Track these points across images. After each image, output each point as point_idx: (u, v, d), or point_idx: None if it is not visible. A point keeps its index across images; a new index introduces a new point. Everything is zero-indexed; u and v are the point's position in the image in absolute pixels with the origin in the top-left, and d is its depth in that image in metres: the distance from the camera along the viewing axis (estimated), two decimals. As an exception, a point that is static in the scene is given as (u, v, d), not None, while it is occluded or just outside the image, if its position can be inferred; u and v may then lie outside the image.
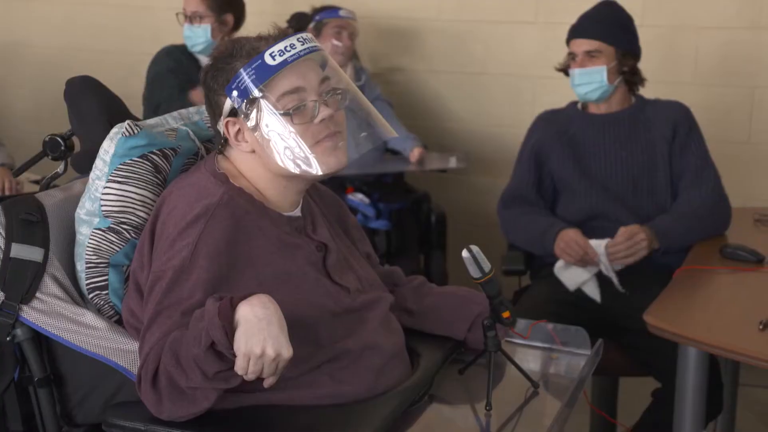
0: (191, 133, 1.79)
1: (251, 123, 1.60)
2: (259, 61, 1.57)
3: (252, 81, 1.58)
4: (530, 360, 1.93)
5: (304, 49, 1.60)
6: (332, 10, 3.72)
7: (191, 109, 1.85)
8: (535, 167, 2.90)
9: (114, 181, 1.68)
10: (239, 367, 1.43)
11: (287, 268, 1.63)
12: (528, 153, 2.93)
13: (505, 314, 1.76)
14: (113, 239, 1.68)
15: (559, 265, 2.72)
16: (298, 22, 3.78)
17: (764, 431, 3.28)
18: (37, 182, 2.95)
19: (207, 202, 1.59)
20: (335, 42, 3.66)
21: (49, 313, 1.64)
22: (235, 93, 1.59)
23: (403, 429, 1.64)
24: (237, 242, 1.58)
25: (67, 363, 1.68)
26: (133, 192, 1.69)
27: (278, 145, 1.60)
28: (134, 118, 1.77)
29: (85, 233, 1.69)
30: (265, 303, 1.43)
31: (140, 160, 1.69)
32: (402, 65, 4.13)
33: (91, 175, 1.70)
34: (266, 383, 1.47)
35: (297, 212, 1.71)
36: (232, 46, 1.63)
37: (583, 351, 1.94)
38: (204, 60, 3.66)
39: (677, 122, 2.85)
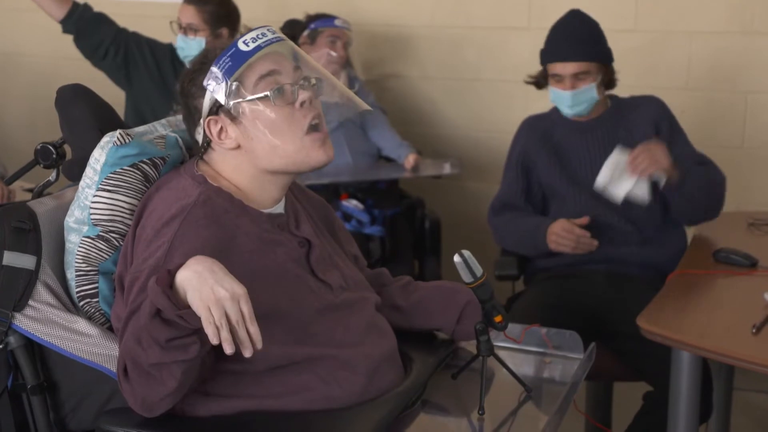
0: (180, 140, 1.80)
1: (233, 113, 1.63)
2: (233, 49, 1.62)
3: (227, 69, 1.61)
4: (523, 364, 1.93)
5: (275, 37, 1.65)
6: (328, 19, 3.72)
7: (179, 117, 1.85)
8: (523, 174, 2.91)
9: (104, 190, 1.69)
10: (205, 320, 1.39)
11: (266, 264, 1.63)
12: (515, 160, 2.94)
13: (498, 318, 1.76)
14: (102, 247, 1.69)
15: (600, 181, 2.69)
16: (292, 29, 3.78)
17: (759, 435, 3.29)
18: (29, 191, 2.94)
19: (183, 203, 1.61)
20: (330, 52, 3.65)
21: (42, 320, 1.64)
22: (212, 84, 1.62)
23: (396, 434, 1.64)
24: (213, 241, 1.58)
25: (60, 370, 1.68)
26: (122, 201, 1.69)
27: (264, 136, 1.63)
28: (125, 126, 1.78)
29: (74, 241, 1.70)
30: (199, 259, 1.43)
31: (130, 169, 1.70)
32: (396, 72, 4.14)
33: (81, 183, 1.71)
34: (242, 345, 1.41)
35: (279, 209, 1.73)
36: (205, 52, 1.68)
37: (576, 355, 1.94)
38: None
39: (658, 120, 2.87)
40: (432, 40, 4.08)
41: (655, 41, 3.72)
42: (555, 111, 2.97)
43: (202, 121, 1.67)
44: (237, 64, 1.61)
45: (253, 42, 1.62)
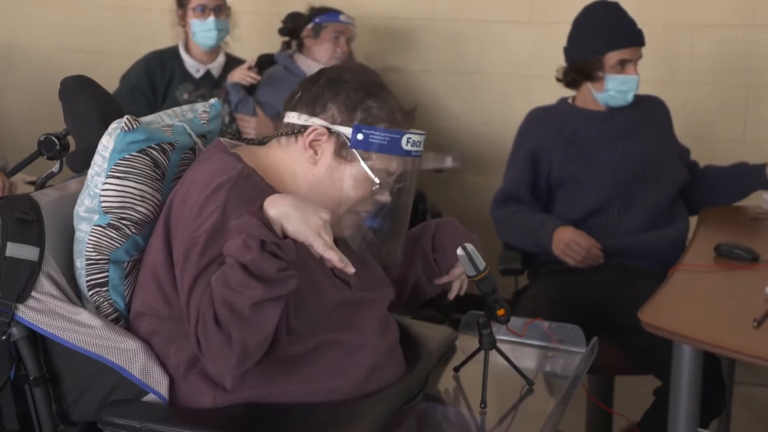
0: (187, 128, 1.79)
1: (343, 153, 1.67)
2: (399, 137, 1.67)
3: (379, 143, 1.66)
4: (525, 358, 1.94)
5: (420, 150, 1.72)
6: (333, 13, 3.68)
7: (185, 107, 1.85)
8: (531, 168, 2.91)
9: (113, 177, 1.68)
10: (321, 245, 1.49)
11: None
12: (524, 155, 2.93)
13: (500, 312, 1.76)
14: (113, 235, 1.68)
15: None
16: (294, 22, 3.77)
17: (760, 430, 3.29)
18: (31, 183, 2.95)
19: (228, 173, 1.62)
20: (335, 49, 3.63)
21: (45, 311, 1.64)
22: (360, 136, 1.65)
23: (398, 427, 1.64)
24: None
25: (63, 361, 1.68)
26: (132, 187, 1.69)
27: (337, 189, 1.68)
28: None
29: (84, 230, 1.69)
30: (281, 196, 1.53)
31: (139, 154, 1.69)
32: (397, 65, 4.14)
33: (90, 171, 1.71)
34: (346, 264, 1.51)
35: None
36: (379, 81, 1.74)
37: (578, 349, 1.94)
38: (190, 60, 3.66)
39: (665, 118, 2.99)
40: (433, 33, 4.08)
41: (657, 35, 3.71)
42: (563, 103, 2.99)
43: (315, 119, 1.68)
44: (389, 149, 1.67)
45: (412, 146, 1.69)
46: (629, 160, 2.87)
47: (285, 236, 1.49)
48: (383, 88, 1.72)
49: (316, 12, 3.70)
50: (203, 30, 3.61)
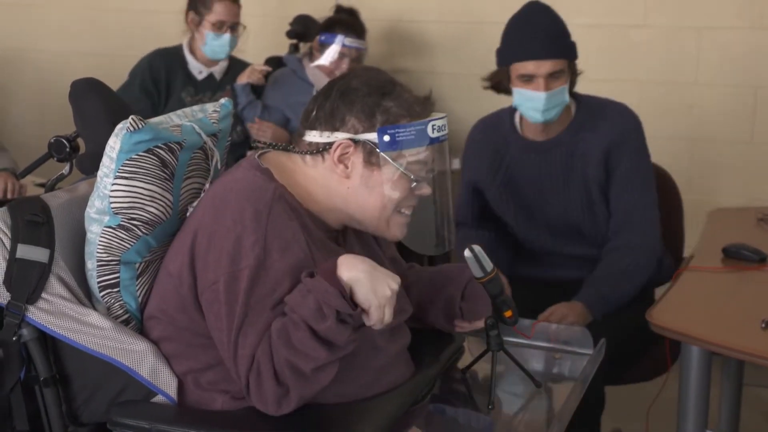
0: (196, 127, 1.79)
1: (373, 159, 1.66)
2: (423, 127, 1.67)
3: (406, 138, 1.66)
4: (533, 360, 1.94)
5: (446, 132, 1.73)
6: (339, 35, 3.60)
7: (195, 108, 1.85)
8: (475, 198, 2.74)
9: (121, 177, 1.67)
10: (376, 319, 1.52)
11: None
12: (466, 184, 2.75)
13: (508, 313, 1.77)
14: (124, 236, 1.69)
15: None
16: (305, 27, 3.78)
17: (768, 431, 3.29)
18: (41, 185, 2.96)
19: (263, 197, 1.61)
20: (338, 66, 3.59)
21: (55, 313, 1.65)
22: (386, 138, 1.64)
23: (406, 428, 1.65)
24: (300, 233, 1.62)
25: (73, 363, 1.69)
26: (140, 187, 1.68)
27: (376, 196, 1.68)
28: (138, 119, 1.78)
29: (95, 231, 1.70)
30: (357, 257, 1.55)
31: (146, 154, 1.69)
32: (404, 67, 4.14)
33: (99, 173, 1.71)
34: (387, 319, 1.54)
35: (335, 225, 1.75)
36: (392, 81, 1.71)
37: (586, 350, 1.94)
38: (193, 61, 3.66)
39: (615, 144, 2.57)
40: (440, 36, 4.08)
41: (664, 36, 3.72)
42: (509, 121, 2.70)
43: (338, 134, 1.67)
44: (418, 141, 1.67)
45: (437, 131, 1.69)
46: (561, 208, 2.62)
47: (352, 297, 1.52)
48: (395, 85, 1.71)
49: (325, 27, 3.67)
50: (217, 45, 3.61)
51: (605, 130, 2.59)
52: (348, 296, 1.51)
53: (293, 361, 1.50)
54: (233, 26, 3.60)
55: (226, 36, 3.58)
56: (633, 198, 2.58)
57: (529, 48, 2.53)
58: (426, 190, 1.71)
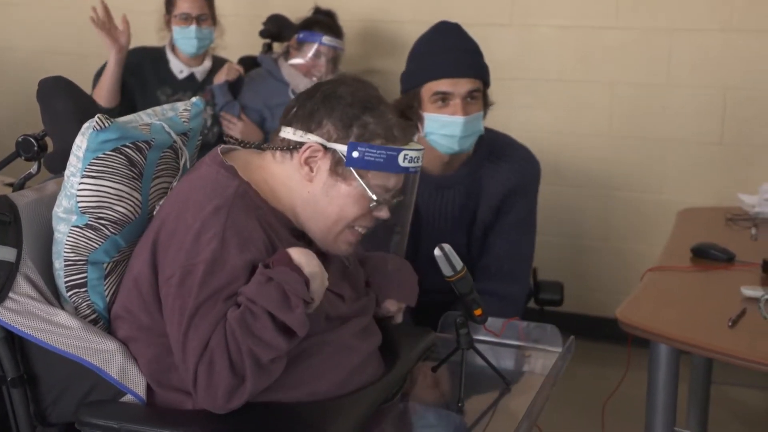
0: (166, 126, 1.78)
1: (339, 170, 1.64)
2: (395, 154, 1.65)
3: (375, 160, 1.64)
4: (503, 358, 1.95)
5: (419, 166, 1.69)
6: (317, 34, 3.61)
7: (166, 106, 1.85)
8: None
9: (88, 176, 1.67)
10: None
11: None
12: None
13: (477, 312, 1.78)
14: (91, 236, 1.68)
15: None
16: (278, 26, 3.77)
17: (737, 429, 3.31)
18: (10, 185, 2.94)
19: (224, 193, 1.61)
20: (314, 65, 3.60)
21: (22, 312, 1.64)
22: (355, 153, 1.63)
23: (376, 426, 1.65)
24: (260, 231, 1.61)
25: (41, 362, 1.68)
26: (108, 186, 1.68)
27: (334, 207, 1.66)
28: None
29: (63, 231, 1.69)
30: (306, 251, 1.58)
31: (113, 153, 1.68)
32: (378, 67, 4.14)
33: (66, 172, 1.70)
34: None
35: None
36: (374, 93, 1.71)
37: (555, 348, 1.96)
38: (175, 60, 3.66)
39: (512, 191, 2.46)
40: (414, 36, 4.06)
41: (636, 38, 3.75)
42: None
43: (311, 136, 1.66)
44: (385, 166, 1.64)
45: (409, 162, 1.66)
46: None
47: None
48: (380, 102, 1.69)
49: (304, 26, 3.67)
50: (184, 37, 3.63)
51: (507, 175, 2.46)
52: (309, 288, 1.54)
53: (255, 351, 1.49)
54: (199, 18, 3.62)
55: (192, 27, 3.61)
56: (511, 247, 2.47)
57: (444, 66, 2.35)
58: (384, 213, 1.70)
